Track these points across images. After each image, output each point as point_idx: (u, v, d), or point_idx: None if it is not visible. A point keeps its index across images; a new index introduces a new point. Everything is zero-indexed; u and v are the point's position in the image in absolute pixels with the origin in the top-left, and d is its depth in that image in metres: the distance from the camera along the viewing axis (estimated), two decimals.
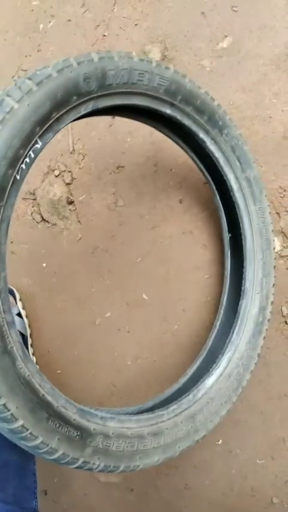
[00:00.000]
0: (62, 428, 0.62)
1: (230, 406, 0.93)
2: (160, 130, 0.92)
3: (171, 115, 0.81)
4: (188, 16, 1.16)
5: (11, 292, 1.22)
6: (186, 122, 0.83)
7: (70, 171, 1.22)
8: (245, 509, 1.13)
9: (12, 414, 0.54)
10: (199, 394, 0.90)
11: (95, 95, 0.67)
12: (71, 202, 1.22)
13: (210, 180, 0.98)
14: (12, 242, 1.27)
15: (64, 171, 1.23)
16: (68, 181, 1.22)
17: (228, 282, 1.04)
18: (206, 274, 1.13)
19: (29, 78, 0.58)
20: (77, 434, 0.65)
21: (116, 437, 0.72)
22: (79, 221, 1.22)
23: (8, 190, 0.54)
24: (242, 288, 0.96)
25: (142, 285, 1.16)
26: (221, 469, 1.14)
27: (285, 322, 1.10)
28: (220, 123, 0.87)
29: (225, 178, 0.92)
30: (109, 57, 0.68)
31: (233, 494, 1.15)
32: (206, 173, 0.97)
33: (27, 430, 0.56)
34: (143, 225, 1.15)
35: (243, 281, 0.97)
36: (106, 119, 1.20)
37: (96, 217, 1.20)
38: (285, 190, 1.06)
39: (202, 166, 0.96)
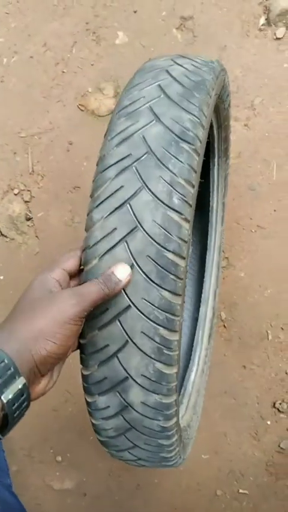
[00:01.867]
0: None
1: (204, 398, 1.03)
2: None
3: (214, 135, 0.89)
4: (137, 61, 1.33)
5: None
6: (216, 144, 0.93)
7: (29, 190, 1.32)
8: (192, 504, 1.21)
9: (176, 401, 0.54)
10: (190, 388, 0.97)
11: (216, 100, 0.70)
12: (29, 219, 1.31)
13: None
14: None
15: (23, 190, 1.32)
16: (27, 199, 1.32)
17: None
18: None
19: (212, 67, 0.62)
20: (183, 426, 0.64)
21: (183, 430, 0.73)
22: (37, 236, 1.31)
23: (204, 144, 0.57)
24: (203, 296, 1.09)
25: None
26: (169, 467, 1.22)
27: (224, 325, 1.24)
28: (228, 153, 1.00)
29: (210, 199, 1.03)
30: (225, 70, 0.70)
31: (180, 491, 1.23)
32: None
33: (177, 418, 0.56)
34: None
35: (203, 290, 1.10)
36: (64, 145, 1.32)
37: (54, 233, 1.30)
38: None
39: None
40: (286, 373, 1.21)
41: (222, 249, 1.15)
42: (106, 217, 0.50)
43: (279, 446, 1.20)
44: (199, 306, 1.10)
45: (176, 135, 0.51)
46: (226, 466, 1.21)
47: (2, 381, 0.40)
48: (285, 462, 1.20)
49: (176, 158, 0.50)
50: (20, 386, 0.42)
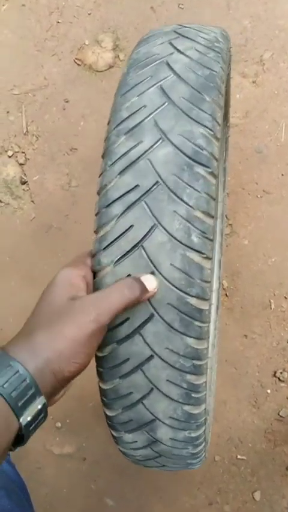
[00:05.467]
0: None
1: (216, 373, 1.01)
2: None
3: None
4: (138, 10, 1.23)
5: None
6: None
7: (24, 152, 1.25)
8: (191, 469, 1.22)
9: (204, 395, 0.51)
10: None
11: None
12: (24, 183, 1.25)
13: None
14: None
15: (18, 151, 1.25)
16: (21, 161, 1.25)
17: None
18: None
19: (219, 38, 0.54)
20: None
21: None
22: (32, 201, 1.25)
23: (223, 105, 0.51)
24: None
25: None
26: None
27: (226, 294, 1.21)
28: (228, 116, 0.91)
29: None
30: (228, 38, 0.61)
31: None
32: None
33: (207, 413, 0.53)
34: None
35: None
36: (59, 103, 1.24)
37: (50, 197, 1.24)
38: None
39: None
40: None
41: (225, 215, 1.10)
42: (116, 262, 0.45)
43: (278, 414, 1.19)
44: None
45: (188, 157, 0.44)
46: (225, 433, 1.22)
47: (22, 403, 0.38)
48: (284, 429, 1.20)
49: (191, 187, 0.44)
50: (39, 407, 0.39)
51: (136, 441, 0.52)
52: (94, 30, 1.24)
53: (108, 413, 0.51)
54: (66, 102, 1.24)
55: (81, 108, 1.23)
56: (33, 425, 0.39)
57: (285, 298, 1.18)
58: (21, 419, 0.38)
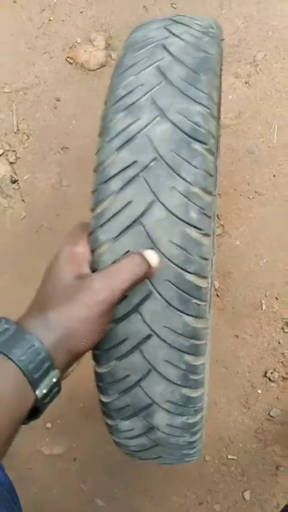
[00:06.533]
0: None
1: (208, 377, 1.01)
2: None
3: None
4: (130, 8, 1.22)
5: None
6: None
7: (14, 151, 1.24)
8: (180, 468, 1.23)
9: (202, 378, 0.50)
10: None
11: None
12: (14, 181, 1.24)
13: None
14: None
15: (8, 150, 1.24)
16: (12, 160, 1.24)
17: None
18: None
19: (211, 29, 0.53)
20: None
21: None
22: (23, 200, 1.24)
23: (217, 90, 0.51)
24: None
25: None
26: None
27: (217, 295, 1.21)
28: (219, 114, 0.90)
29: None
30: (220, 28, 0.60)
31: None
32: None
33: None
34: (87, 204, 1.19)
35: None
36: (51, 101, 1.23)
37: (41, 197, 1.23)
38: None
39: None
40: (279, 342, 1.19)
41: (216, 215, 1.10)
42: (115, 238, 0.44)
43: (269, 414, 1.20)
44: None
45: (186, 133, 0.44)
46: (216, 433, 1.22)
47: (38, 376, 0.39)
48: (275, 429, 1.21)
49: (189, 163, 0.43)
50: (54, 380, 0.40)
51: (132, 429, 0.51)
52: (86, 29, 1.23)
53: (104, 399, 0.50)
54: (58, 100, 1.23)
55: (73, 107, 1.22)
56: (48, 398, 0.40)
57: (277, 299, 1.18)
58: (37, 392, 0.38)
